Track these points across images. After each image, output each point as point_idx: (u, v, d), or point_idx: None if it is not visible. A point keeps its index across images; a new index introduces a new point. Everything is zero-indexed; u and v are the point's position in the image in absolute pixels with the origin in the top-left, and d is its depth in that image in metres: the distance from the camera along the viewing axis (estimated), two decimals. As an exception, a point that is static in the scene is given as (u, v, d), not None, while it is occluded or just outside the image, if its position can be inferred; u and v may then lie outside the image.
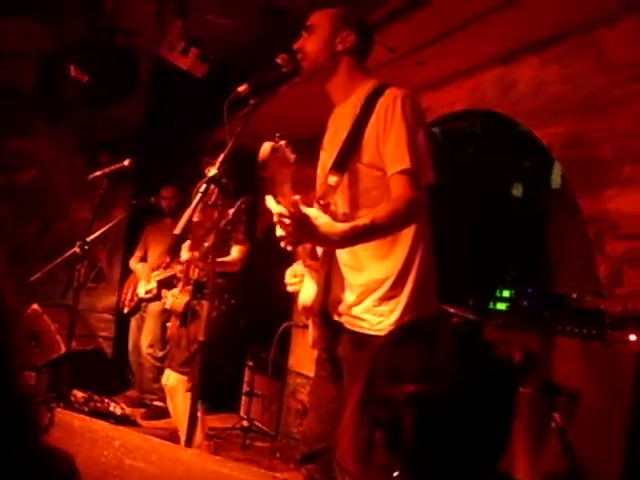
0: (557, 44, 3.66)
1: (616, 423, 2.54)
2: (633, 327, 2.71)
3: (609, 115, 3.31)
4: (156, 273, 5.84)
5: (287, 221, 2.13)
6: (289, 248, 2.27)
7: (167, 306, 4.82)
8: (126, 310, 6.13)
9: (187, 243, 4.30)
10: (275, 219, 2.17)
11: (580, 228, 3.70)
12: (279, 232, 2.20)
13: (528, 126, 3.90)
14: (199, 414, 4.01)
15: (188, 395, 3.97)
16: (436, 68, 4.26)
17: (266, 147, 2.15)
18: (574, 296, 3.01)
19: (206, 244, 3.96)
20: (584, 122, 3.43)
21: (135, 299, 6.02)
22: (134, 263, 6.18)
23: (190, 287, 4.42)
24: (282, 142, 2.19)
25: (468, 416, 1.10)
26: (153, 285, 5.83)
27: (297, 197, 2.17)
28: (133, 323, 6.15)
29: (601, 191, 3.28)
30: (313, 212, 2.26)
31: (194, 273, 4.38)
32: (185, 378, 4.08)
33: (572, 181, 3.60)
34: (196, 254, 4.10)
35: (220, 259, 4.19)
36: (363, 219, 2.27)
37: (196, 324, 3.65)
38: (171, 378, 4.18)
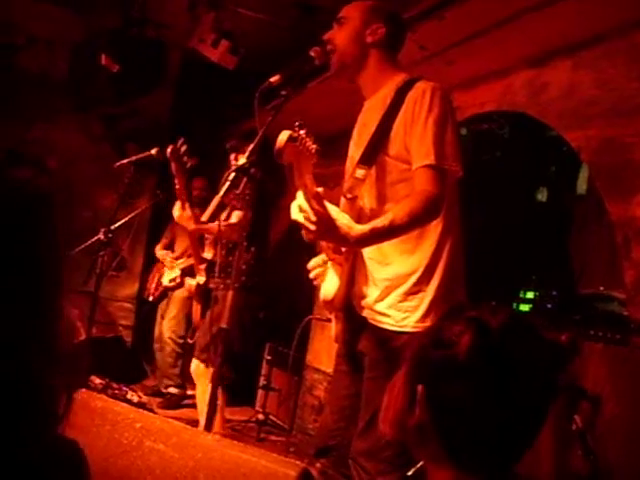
0: (590, 48, 3.62)
1: (639, 428, 2.52)
2: (658, 333, 2.68)
3: (641, 120, 3.28)
4: (180, 261, 5.85)
5: (309, 217, 2.12)
6: (307, 240, 2.26)
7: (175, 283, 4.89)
8: (151, 299, 6.13)
9: (178, 204, 4.30)
10: (295, 211, 2.16)
11: (605, 235, 3.66)
12: (300, 220, 2.17)
13: (558, 129, 3.87)
14: (219, 402, 4.05)
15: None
16: (467, 68, 4.24)
17: (283, 135, 2.13)
18: (601, 289, 2.98)
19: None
20: (615, 127, 3.39)
21: (160, 288, 6.02)
22: (159, 250, 6.18)
23: (203, 267, 4.44)
24: (302, 132, 2.17)
25: (519, 371, 1.09)
26: (177, 273, 5.84)
27: (320, 189, 2.16)
28: (159, 311, 6.16)
29: (630, 196, 3.24)
30: (334, 211, 2.24)
31: (208, 252, 4.40)
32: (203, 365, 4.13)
33: (600, 186, 3.56)
34: (186, 213, 4.10)
35: (224, 224, 4.21)
36: (382, 219, 2.25)
37: (216, 309, 3.67)
38: (194, 365, 4.24)
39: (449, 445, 1.11)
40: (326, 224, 2.13)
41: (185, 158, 4.12)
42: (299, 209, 2.15)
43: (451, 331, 1.13)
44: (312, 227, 2.13)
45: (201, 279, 4.45)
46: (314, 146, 2.19)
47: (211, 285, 4.16)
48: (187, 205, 4.23)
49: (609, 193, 3.45)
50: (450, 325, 1.14)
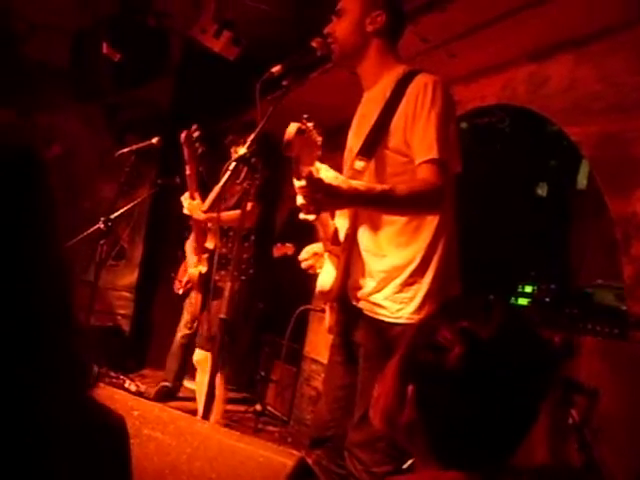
0: (592, 43, 3.62)
1: (636, 423, 2.53)
2: (656, 328, 2.69)
3: (642, 116, 3.27)
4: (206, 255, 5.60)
5: (307, 185, 2.08)
6: (311, 218, 2.23)
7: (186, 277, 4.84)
8: (181, 292, 5.92)
9: (186, 194, 4.30)
10: (297, 189, 2.14)
11: (604, 230, 3.67)
12: (299, 201, 2.16)
13: (559, 123, 3.87)
14: (219, 391, 4.07)
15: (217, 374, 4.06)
16: (468, 61, 4.24)
17: (292, 128, 2.12)
18: (599, 282, 2.99)
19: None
20: (616, 122, 3.39)
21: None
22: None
23: (206, 256, 4.43)
24: (309, 124, 2.17)
25: (507, 378, 1.10)
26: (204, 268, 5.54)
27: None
28: (187, 301, 5.92)
29: (630, 192, 3.24)
30: (331, 175, 2.24)
31: (211, 242, 4.40)
32: (207, 353, 4.17)
33: (601, 181, 3.56)
34: (196, 202, 4.11)
35: (225, 213, 4.22)
36: (382, 185, 2.27)
37: (220, 300, 3.69)
38: (198, 354, 4.27)
39: (437, 445, 1.13)
40: (322, 186, 2.10)
41: (197, 144, 4.13)
42: (299, 188, 2.14)
43: (442, 335, 1.14)
44: (312, 194, 2.11)
45: (203, 268, 4.45)
46: (319, 138, 2.20)
47: (216, 277, 4.15)
48: (197, 194, 4.24)
49: (609, 188, 3.45)
50: (442, 328, 1.15)
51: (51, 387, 0.90)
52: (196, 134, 4.14)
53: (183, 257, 5.99)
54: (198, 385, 4.36)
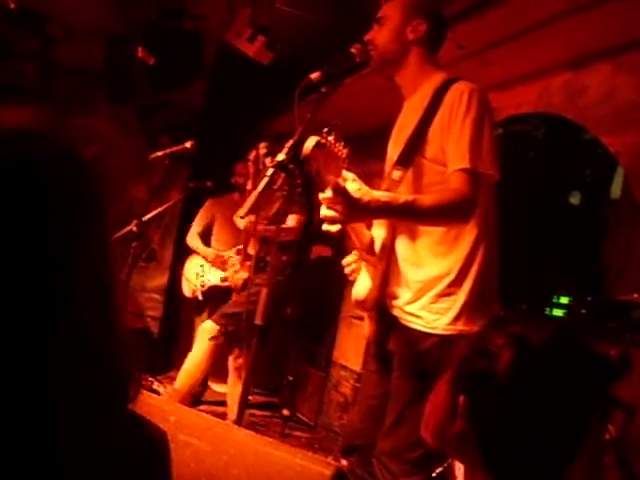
0: (630, 52, 3.58)
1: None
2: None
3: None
4: (236, 258, 5.26)
5: (332, 196, 2.08)
6: (333, 229, 2.20)
7: (228, 283, 4.90)
8: (201, 297, 5.58)
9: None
10: (322, 200, 2.14)
11: (638, 240, 3.62)
12: (323, 212, 2.16)
13: (596, 133, 3.83)
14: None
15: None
16: (504, 69, 4.21)
17: (310, 142, 2.11)
18: (635, 296, 2.94)
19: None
20: (655, 132, 3.36)
21: (206, 285, 5.50)
22: (194, 240, 5.71)
23: (249, 263, 4.48)
24: (330, 137, 2.15)
25: (558, 387, 1.08)
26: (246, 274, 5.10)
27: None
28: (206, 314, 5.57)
29: (668, 203, 3.21)
30: (355, 186, 2.24)
31: (253, 249, 4.46)
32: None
33: (638, 191, 3.52)
34: (253, 218, 4.17)
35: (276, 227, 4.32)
36: (406, 196, 2.25)
37: (252, 291, 3.77)
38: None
39: (488, 455, 1.11)
40: (348, 197, 2.09)
41: (262, 162, 4.28)
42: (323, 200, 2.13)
43: (493, 342, 1.12)
44: (337, 206, 2.10)
45: (244, 274, 4.53)
46: (344, 150, 2.18)
47: (257, 280, 4.17)
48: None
49: (647, 199, 3.41)
50: (493, 335, 1.14)
51: (93, 401, 0.90)
52: (263, 152, 4.24)
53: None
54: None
